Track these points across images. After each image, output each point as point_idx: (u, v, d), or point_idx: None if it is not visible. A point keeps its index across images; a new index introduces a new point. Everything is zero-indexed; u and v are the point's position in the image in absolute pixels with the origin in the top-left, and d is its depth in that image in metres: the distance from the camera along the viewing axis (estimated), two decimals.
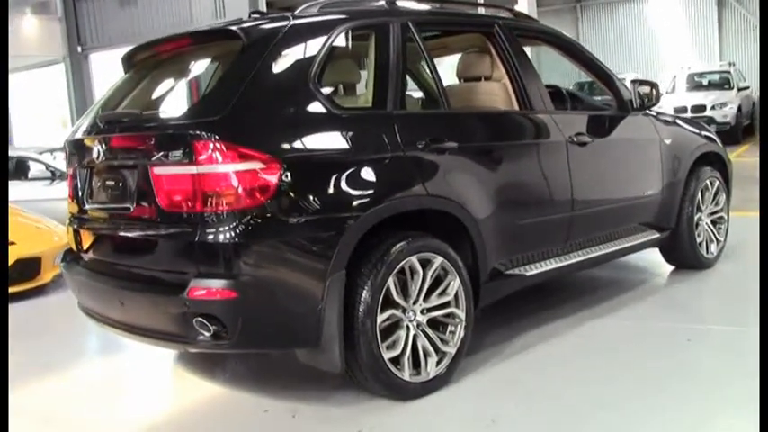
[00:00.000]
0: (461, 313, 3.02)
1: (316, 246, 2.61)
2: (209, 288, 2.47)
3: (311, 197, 2.61)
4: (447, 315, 3.00)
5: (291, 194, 2.56)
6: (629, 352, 3.28)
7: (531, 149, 3.51)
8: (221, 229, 2.48)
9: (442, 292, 2.98)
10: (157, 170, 2.62)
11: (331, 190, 2.66)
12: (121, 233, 2.85)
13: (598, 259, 3.85)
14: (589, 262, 3.79)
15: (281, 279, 2.56)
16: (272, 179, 2.52)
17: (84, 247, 3.13)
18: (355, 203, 2.70)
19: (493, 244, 3.20)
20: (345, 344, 2.64)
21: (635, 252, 4.23)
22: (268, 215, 2.51)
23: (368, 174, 2.78)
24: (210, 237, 2.49)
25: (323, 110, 2.74)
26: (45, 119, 18.66)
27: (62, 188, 7.31)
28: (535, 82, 3.63)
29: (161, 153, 2.60)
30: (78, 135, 3.20)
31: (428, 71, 3.27)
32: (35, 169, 7.71)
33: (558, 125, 3.63)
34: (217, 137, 2.49)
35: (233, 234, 2.47)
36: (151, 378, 3.45)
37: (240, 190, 2.48)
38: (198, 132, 2.51)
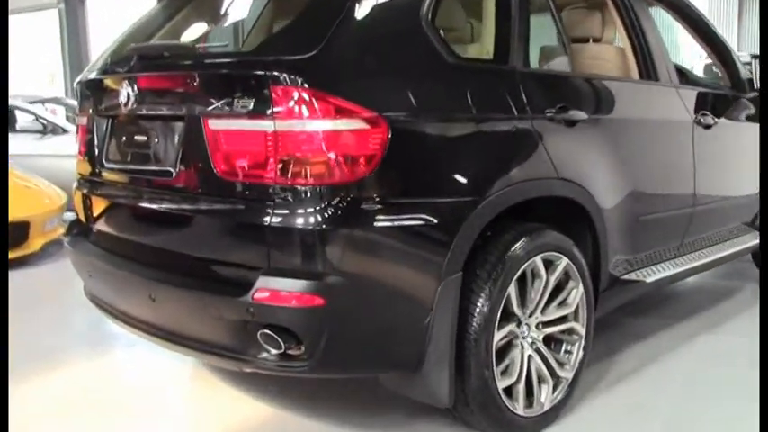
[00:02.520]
0: (581, 328, 2.39)
1: (427, 238, 1.93)
2: (284, 291, 1.78)
3: (424, 172, 1.94)
4: (565, 331, 2.38)
5: (399, 167, 1.88)
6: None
7: (660, 129, 2.85)
8: (305, 209, 1.79)
9: (562, 303, 2.36)
10: (214, 124, 1.91)
11: (449, 164, 1.98)
12: (157, 205, 2.13)
13: (710, 264, 3.24)
14: (701, 267, 3.18)
15: (380, 281, 1.88)
16: (376, 145, 1.83)
17: (99, 220, 2.42)
18: (479, 183, 2.02)
19: (615, 243, 2.58)
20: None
21: (742, 256, 3.65)
22: (369, 194, 1.83)
23: (494, 145, 2.11)
24: (290, 219, 1.80)
25: (439, 58, 2.04)
26: (32, 70, 17.54)
27: (55, 143, 6.63)
28: (660, 48, 2.97)
29: (221, 101, 1.88)
30: (96, 73, 2.47)
31: (554, 23, 2.59)
32: (23, 120, 6.90)
33: (685, 102, 2.99)
34: (305, 82, 1.79)
35: (321, 217, 1.78)
36: (171, 385, 2.76)
37: (333, 157, 1.79)
38: (278, 74, 1.80)
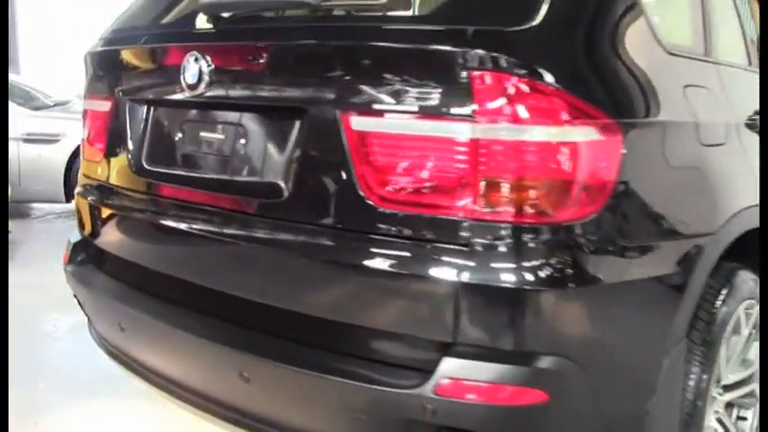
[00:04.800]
0: (758, 389, 1.95)
1: (656, 294, 1.37)
2: (487, 381, 1.17)
3: (658, 201, 1.36)
4: (745, 395, 1.92)
5: (633, 195, 1.30)
6: None
7: None
8: (519, 259, 1.18)
9: (744, 360, 1.89)
10: (363, 123, 1.26)
11: (679, 188, 1.43)
12: (257, 236, 1.42)
13: None
14: None
15: (607, 359, 1.29)
16: (613, 164, 1.24)
17: (136, 249, 1.72)
18: (707, 214, 1.49)
19: None
20: None
21: None
22: (600, 236, 1.24)
23: (714, 160, 1.57)
24: (495, 275, 1.18)
25: (657, 46, 1.46)
26: None
27: None
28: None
29: (377, 89, 1.24)
30: (126, 41, 1.76)
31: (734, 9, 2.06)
32: None
33: None
34: (527, 66, 1.18)
35: (544, 272, 1.18)
36: None
37: (563, 182, 1.19)
38: (485, 52, 1.17)
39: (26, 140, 5.11)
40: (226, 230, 1.47)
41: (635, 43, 1.42)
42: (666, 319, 1.39)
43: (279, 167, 1.39)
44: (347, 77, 1.29)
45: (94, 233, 1.87)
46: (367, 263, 1.27)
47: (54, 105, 5.76)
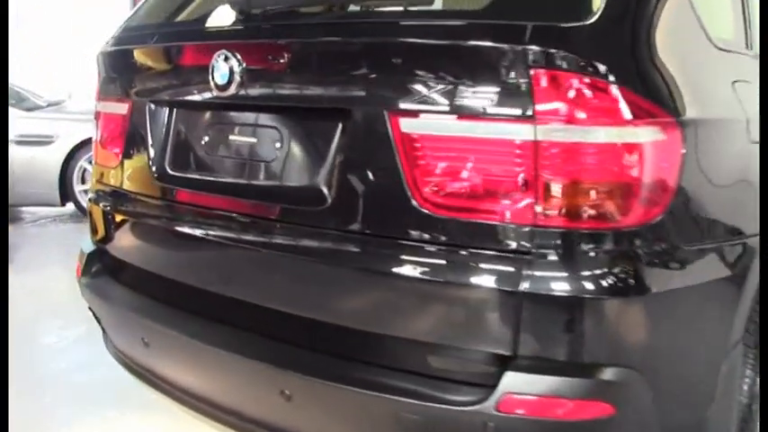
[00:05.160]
0: None
1: (716, 298, 1.32)
2: (553, 395, 1.11)
3: (716, 201, 1.31)
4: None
5: (693, 196, 1.25)
6: None
7: None
8: (582, 268, 1.12)
9: None
10: (414, 125, 1.19)
11: (732, 183, 1.39)
12: (295, 251, 1.35)
13: None
14: None
15: (670, 368, 1.24)
16: (675, 165, 1.19)
17: (159, 260, 1.64)
18: (754, 212, 1.43)
19: None
20: None
21: None
22: (663, 240, 1.18)
23: (754, 156, 1.49)
24: (558, 284, 1.12)
25: (705, 41, 1.40)
26: None
27: None
28: None
29: (428, 88, 1.17)
30: (142, 39, 1.67)
31: None
32: None
33: None
34: (590, 65, 1.12)
35: (609, 280, 1.12)
36: None
37: (628, 185, 1.13)
38: (545, 50, 1.11)
39: (19, 142, 4.97)
40: (262, 239, 1.39)
41: (687, 39, 1.36)
42: (726, 322, 1.34)
43: (320, 173, 1.32)
44: (396, 76, 1.22)
45: (112, 243, 1.78)
46: (420, 274, 1.21)
47: (47, 106, 5.63)
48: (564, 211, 1.13)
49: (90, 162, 5.57)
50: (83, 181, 5.34)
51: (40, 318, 3.34)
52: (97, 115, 1.88)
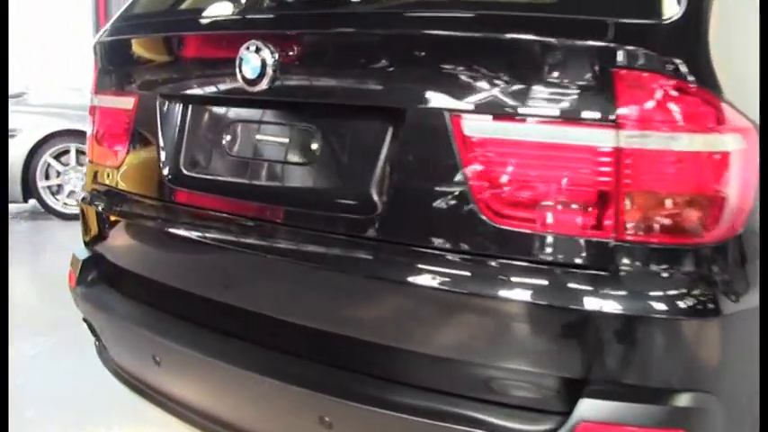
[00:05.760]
0: None
1: None
2: (633, 424, 1.02)
3: None
4: None
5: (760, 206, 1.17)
6: None
7: None
8: (667, 287, 1.03)
9: None
10: (480, 128, 1.08)
11: None
12: (339, 263, 1.21)
13: None
14: None
15: (744, 387, 1.15)
16: (752, 174, 1.11)
17: (171, 270, 1.49)
18: None
19: None
20: None
21: None
22: (747, 251, 1.10)
23: None
24: (640, 304, 1.03)
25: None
26: None
27: None
28: None
29: (496, 88, 1.06)
30: (155, 26, 1.53)
31: None
32: None
33: None
34: (673, 66, 1.03)
35: (696, 301, 1.03)
36: None
37: (715, 197, 1.05)
38: (629, 49, 1.01)
39: None
40: (297, 249, 1.26)
41: (754, 39, 1.30)
42: None
43: (369, 178, 1.20)
44: (458, 74, 1.11)
45: (113, 249, 1.63)
46: (482, 287, 1.10)
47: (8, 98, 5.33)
48: (646, 224, 1.04)
49: (54, 157, 5.32)
50: (47, 176, 5.10)
51: (12, 325, 3.12)
52: (92, 110, 1.72)
